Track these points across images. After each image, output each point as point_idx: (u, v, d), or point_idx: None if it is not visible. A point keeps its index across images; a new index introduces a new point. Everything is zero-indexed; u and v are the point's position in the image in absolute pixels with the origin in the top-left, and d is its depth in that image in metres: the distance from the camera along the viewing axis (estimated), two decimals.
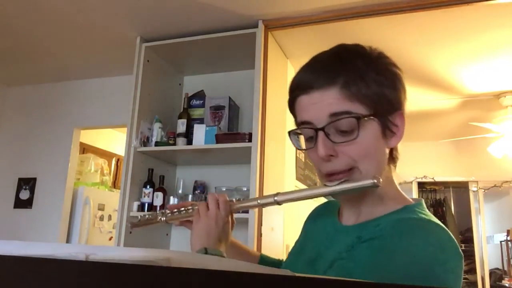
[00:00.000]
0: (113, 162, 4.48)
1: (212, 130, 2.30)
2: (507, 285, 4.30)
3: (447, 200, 4.83)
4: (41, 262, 0.31)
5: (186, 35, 2.43)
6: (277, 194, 0.74)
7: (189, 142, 2.37)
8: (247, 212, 2.05)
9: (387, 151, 0.71)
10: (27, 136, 3.35)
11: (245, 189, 2.25)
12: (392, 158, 0.73)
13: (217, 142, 2.26)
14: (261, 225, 2.08)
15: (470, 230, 4.62)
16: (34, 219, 3.15)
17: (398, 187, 0.74)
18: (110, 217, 3.77)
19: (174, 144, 2.38)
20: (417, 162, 4.53)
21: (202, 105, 2.52)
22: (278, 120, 2.41)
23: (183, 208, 0.87)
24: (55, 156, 3.21)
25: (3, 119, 3.47)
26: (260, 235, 2.06)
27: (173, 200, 2.40)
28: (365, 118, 0.66)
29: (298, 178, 2.84)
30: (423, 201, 0.73)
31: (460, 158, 4.65)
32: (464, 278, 4.35)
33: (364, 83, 0.66)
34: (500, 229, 4.76)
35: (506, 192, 4.68)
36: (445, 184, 4.83)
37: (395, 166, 0.74)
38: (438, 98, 3.43)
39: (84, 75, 3.25)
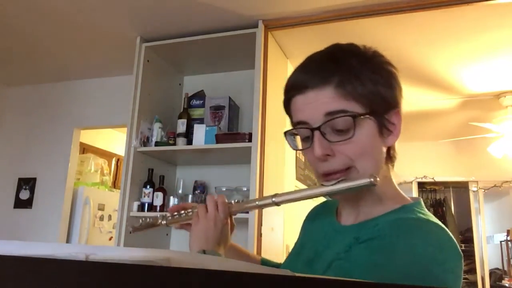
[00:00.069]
0: (113, 162, 4.49)
1: (212, 130, 2.30)
2: (507, 285, 4.30)
3: (447, 200, 4.83)
4: (41, 262, 0.31)
5: (186, 35, 2.43)
6: (275, 195, 0.74)
7: (189, 142, 2.37)
8: (247, 212, 2.05)
9: (384, 150, 0.70)
10: (27, 136, 3.35)
11: (245, 189, 2.25)
12: (390, 157, 0.72)
13: (217, 142, 2.26)
14: (261, 225, 2.08)
15: (470, 230, 4.62)
16: (34, 219, 3.15)
17: (397, 186, 0.74)
18: (110, 217, 3.77)
19: (174, 144, 2.38)
20: (417, 162, 4.53)
21: (202, 105, 2.52)
22: (278, 120, 2.41)
23: (183, 211, 0.87)
24: (55, 156, 3.21)
25: (3, 119, 3.47)
26: (260, 235, 2.06)
27: (173, 200, 2.40)
28: (361, 117, 0.65)
29: (298, 178, 2.84)
30: (421, 200, 0.73)
31: (460, 158, 4.66)
32: (464, 278, 4.35)
33: (359, 81, 0.66)
34: (500, 229, 4.75)
35: (506, 192, 4.67)
36: (445, 184, 4.83)
37: (393, 165, 0.74)
38: (438, 98, 3.43)
39: (84, 75, 3.25)
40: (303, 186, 2.91)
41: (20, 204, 3.22)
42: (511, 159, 3.70)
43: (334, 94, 0.66)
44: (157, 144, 2.41)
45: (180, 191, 2.47)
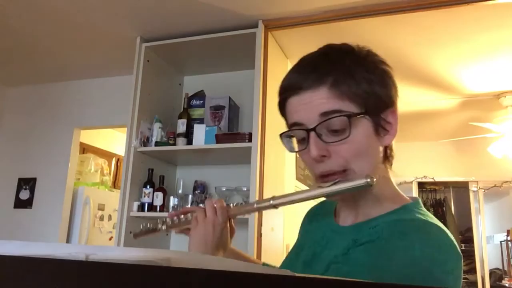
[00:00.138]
0: (113, 162, 4.48)
1: (212, 130, 2.30)
2: (507, 285, 4.30)
3: (447, 200, 4.83)
4: (41, 262, 0.31)
5: (186, 35, 2.43)
6: (273, 198, 0.74)
7: (189, 142, 2.37)
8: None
9: (381, 149, 0.70)
10: (27, 136, 3.35)
11: (245, 189, 2.25)
12: (387, 156, 0.72)
13: (217, 142, 2.26)
14: (261, 225, 2.08)
15: (470, 230, 4.61)
16: (34, 219, 3.15)
17: (396, 186, 0.73)
18: (110, 217, 3.77)
19: (174, 144, 2.38)
20: (417, 162, 4.53)
21: (202, 105, 2.52)
22: (278, 120, 2.40)
23: (182, 216, 0.87)
24: (55, 156, 3.21)
25: (3, 119, 3.47)
26: (260, 235, 2.06)
27: (173, 200, 2.40)
28: (357, 116, 0.65)
29: (298, 178, 2.84)
30: (420, 200, 0.72)
31: (460, 158, 4.65)
32: (464, 278, 4.35)
33: (353, 81, 0.65)
34: (500, 229, 4.75)
35: (506, 192, 4.67)
36: (445, 184, 4.83)
37: (391, 165, 0.73)
38: (438, 98, 3.43)
39: (84, 75, 3.25)
40: (303, 186, 2.91)
41: (20, 204, 3.22)
42: (511, 159, 3.70)
43: (329, 94, 0.65)
44: (157, 144, 2.41)
45: (180, 191, 2.47)
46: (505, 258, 4.54)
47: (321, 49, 0.72)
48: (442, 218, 4.54)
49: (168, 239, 2.64)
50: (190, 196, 2.44)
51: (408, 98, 3.37)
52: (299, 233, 0.91)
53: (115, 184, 4.33)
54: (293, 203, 0.73)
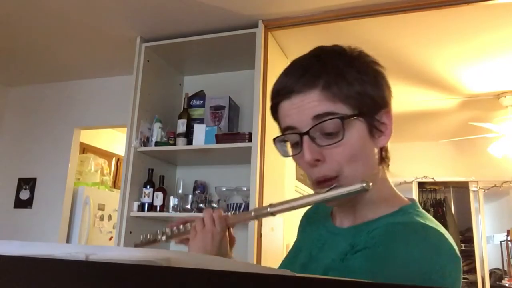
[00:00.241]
0: (113, 162, 4.48)
1: (212, 130, 2.30)
2: (507, 285, 4.30)
3: (447, 200, 4.83)
4: (41, 262, 0.31)
5: (186, 35, 2.44)
6: (270, 205, 0.74)
7: (189, 142, 2.37)
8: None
9: (377, 151, 0.69)
10: (27, 136, 3.35)
11: (245, 189, 2.25)
12: (383, 158, 0.71)
13: (217, 142, 2.26)
14: (261, 225, 2.08)
15: (470, 230, 4.61)
16: (34, 219, 3.15)
17: (394, 187, 0.73)
18: (110, 217, 3.77)
19: (174, 144, 2.38)
20: (417, 162, 4.53)
21: (202, 105, 2.52)
22: None
23: (181, 226, 0.87)
24: (55, 156, 3.21)
25: (3, 119, 3.47)
26: (260, 235, 2.06)
27: (173, 200, 2.40)
28: (350, 118, 0.64)
29: (298, 178, 2.84)
30: (416, 201, 0.72)
31: (460, 158, 4.65)
32: (464, 278, 4.35)
33: (345, 82, 0.64)
34: (500, 229, 4.75)
35: (506, 192, 4.67)
36: (445, 184, 4.83)
37: (387, 166, 0.72)
38: (438, 98, 3.43)
39: (84, 75, 3.25)
40: (304, 186, 2.90)
41: (20, 204, 3.22)
42: (511, 159, 3.70)
43: (321, 97, 0.64)
44: (157, 144, 2.41)
45: (180, 191, 2.47)
46: (505, 258, 4.54)
47: (312, 51, 0.71)
48: (442, 218, 4.53)
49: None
50: (190, 196, 2.44)
51: (408, 98, 3.37)
52: (298, 233, 0.91)
53: (115, 184, 4.33)
54: (291, 210, 0.73)
